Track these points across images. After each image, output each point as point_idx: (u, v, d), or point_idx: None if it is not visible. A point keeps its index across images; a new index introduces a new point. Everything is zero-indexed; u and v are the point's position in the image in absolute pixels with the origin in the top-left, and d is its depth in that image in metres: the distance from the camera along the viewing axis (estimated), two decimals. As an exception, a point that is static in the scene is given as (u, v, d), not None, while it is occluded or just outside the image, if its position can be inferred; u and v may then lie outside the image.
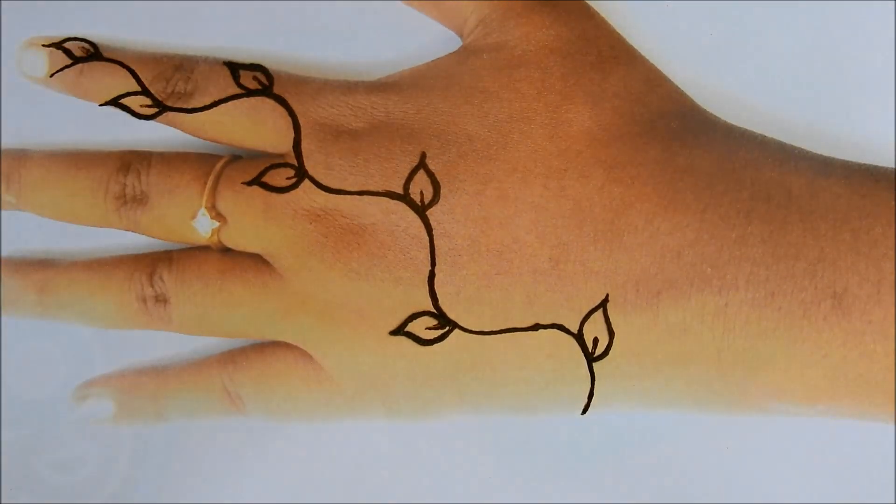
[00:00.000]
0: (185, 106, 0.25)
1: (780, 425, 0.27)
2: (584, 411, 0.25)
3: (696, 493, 0.28)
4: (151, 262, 0.26)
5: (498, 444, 0.28)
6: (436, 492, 0.28)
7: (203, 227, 0.25)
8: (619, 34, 0.26)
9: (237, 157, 0.26)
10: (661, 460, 0.28)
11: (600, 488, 0.28)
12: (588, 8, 0.25)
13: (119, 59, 0.25)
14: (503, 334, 0.24)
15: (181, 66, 0.25)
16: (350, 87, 0.25)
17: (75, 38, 0.26)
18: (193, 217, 0.25)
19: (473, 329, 0.24)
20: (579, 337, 0.24)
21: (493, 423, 0.28)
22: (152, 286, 0.26)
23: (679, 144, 0.24)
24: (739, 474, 0.28)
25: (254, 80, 0.25)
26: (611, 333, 0.24)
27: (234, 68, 0.25)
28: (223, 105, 0.25)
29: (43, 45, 0.26)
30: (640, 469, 0.28)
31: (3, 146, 0.27)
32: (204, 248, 0.26)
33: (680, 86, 0.26)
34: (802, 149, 0.25)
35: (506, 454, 0.28)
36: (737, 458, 0.28)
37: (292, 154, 0.25)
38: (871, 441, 0.27)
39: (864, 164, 0.24)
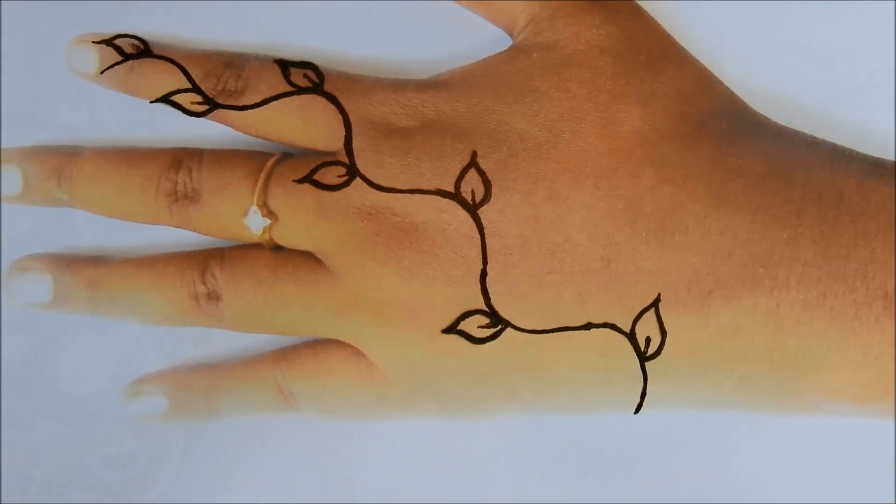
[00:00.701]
0: (235, 103, 0.25)
1: (781, 426, 0.27)
2: (637, 410, 0.25)
3: (695, 493, 0.28)
4: (203, 259, 0.26)
5: (536, 442, 0.28)
6: (459, 491, 0.28)
7: (255, 225, 0.25)
8: (668, 34, 0.26)
9: (288, 155, 0.26)
10: (657, 456, 0.28)
11: (610, 489, 0.28)
12: (638, 8, 0.25)
13: (169, 56, 0.25)
14: (555, 333, 0.24)
15: (231, 63, 0.25)
16: (400, 86, 0.25)
17: (126, 35, 0.26)
18: (245, 214, 0.25)
19: (526, 328, 0.24)
20: (632, 336, 0.24)
21: (522, 423, 0.28)
22: (204, 283, 0.26)
23: (730, 145, 0.24)
24: (739, 474, 0.28)
25: (304, 78, 0.25)
26: (663, 333, 0.24)
27: (285, 66, 0.25)
28: (274, 103, 0.25)
29: (93, 42, 0.26)
30: (644, 467, 0.28)
31: (55, 143, 0.27)
32: (256, 246, 0.26)
33: (730, 86, 0.26)
34: (853, 150, 0.25)
35: (543, 453, 0.28)
36: (736, 459, 0.28)
37: (343, 152, 0.25)
38: (870, 441, 0.27)
39: (916, 166, 0.25)
